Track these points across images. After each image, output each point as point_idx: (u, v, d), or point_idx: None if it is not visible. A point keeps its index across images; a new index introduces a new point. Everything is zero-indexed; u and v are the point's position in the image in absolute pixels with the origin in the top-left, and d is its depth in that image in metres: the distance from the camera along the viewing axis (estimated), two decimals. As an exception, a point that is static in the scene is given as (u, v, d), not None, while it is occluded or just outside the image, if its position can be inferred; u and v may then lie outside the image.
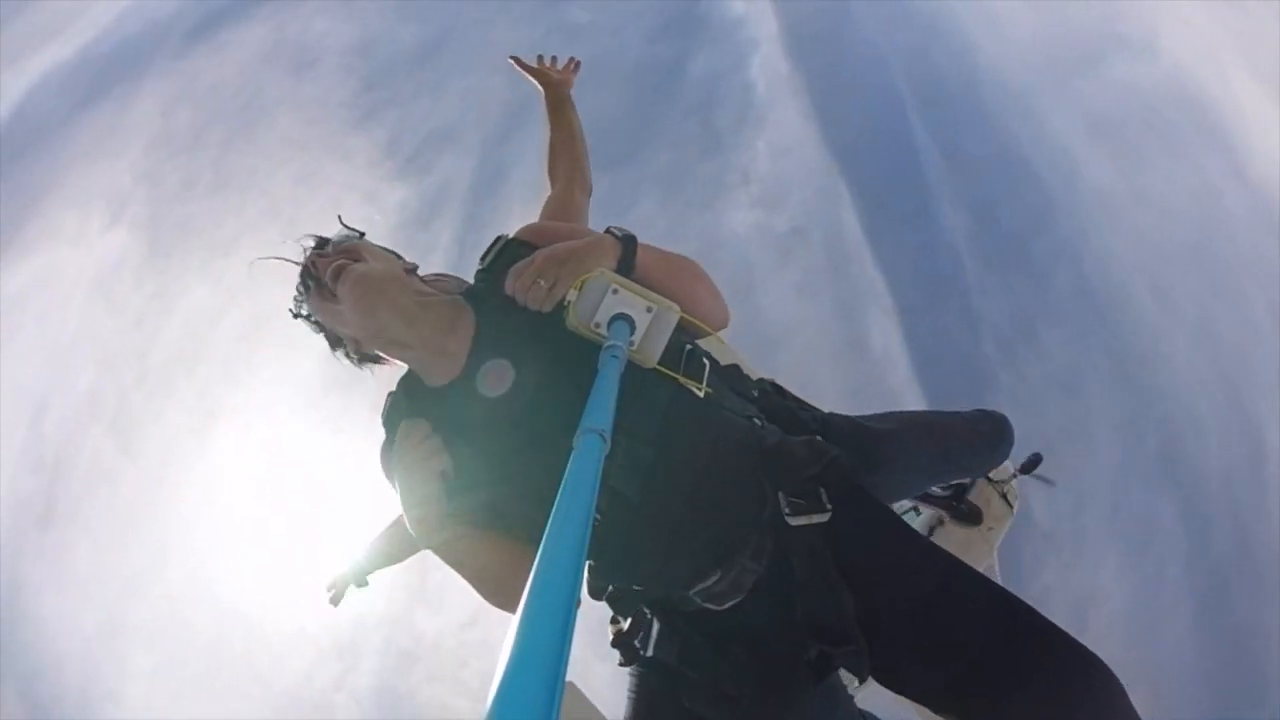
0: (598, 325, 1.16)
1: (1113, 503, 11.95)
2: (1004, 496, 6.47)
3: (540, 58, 1.88)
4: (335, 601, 1.83)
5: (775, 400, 1.42)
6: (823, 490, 1.20)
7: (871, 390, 12.30)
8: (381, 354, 1.34)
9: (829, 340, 12.44)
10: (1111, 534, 11.80)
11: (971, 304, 12.82)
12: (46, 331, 10.30)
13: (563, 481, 0.72)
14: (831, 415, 1.49)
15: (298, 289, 1.35)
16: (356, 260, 1.28)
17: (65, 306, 10.61)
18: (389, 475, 1.28)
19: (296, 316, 1.37)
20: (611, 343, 1.11)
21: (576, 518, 0.65)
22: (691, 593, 1.23)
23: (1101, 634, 11.14)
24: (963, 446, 1.71)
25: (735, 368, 1.40)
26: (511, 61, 1.87)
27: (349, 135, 12.08)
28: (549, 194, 1.69)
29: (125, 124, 11.49)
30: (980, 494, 6.38)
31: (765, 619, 1.23)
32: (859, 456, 1.29)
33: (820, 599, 1.17)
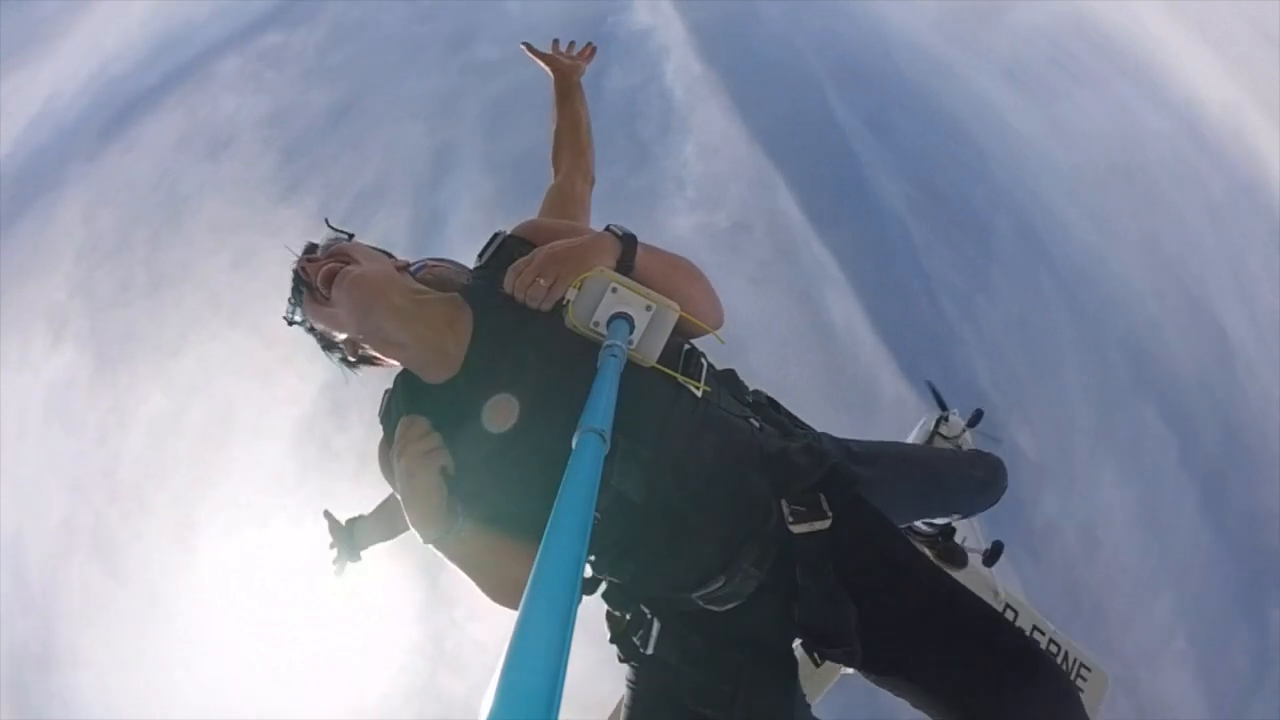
0: (597, 324, 1.16)
1: (1095, 423, 12.33)
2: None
3: (555, 43, 1.86)
4: (338, 575, 1.85)
5: (770, 413, 1.41)
6: (823, 497, 1.22)
7: (844, 368, 12.47)
8: (378, 355, 1.33)
9: (792, 327, 12.61)
10: (1102, 452, 12.16)
11: (922, 266, 13.13)
12: (8, 464, 10.01)
13: (563, 481, 0.72)
14: (823, 435, 1.49)
15: (290, 297, 1.34)
16: (348, 263, 1.27)
17: (23, 435, 10.20)
18: (388, 473, 1.27)
19: (291, 324, 1.36)
20: (610, 342, 1.10)
21: (576, 517, 0.65)
22: (695, 596, 1.24)
23: (1115, 549, 11.36)
24: (955, 485, 1.75)
25: (731, 372, 1.41)
26: (523, 48, 1.86)
27: (277, 209, 11.89)
28: (551, 183, 1.68)
29: (50, 237, 11.11)
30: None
31: (764, 621, 1.26)
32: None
33: (821, 606, 1.19)
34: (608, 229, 1.28)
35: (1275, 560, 10.61)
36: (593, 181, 1.69)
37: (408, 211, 12.63)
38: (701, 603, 1.24)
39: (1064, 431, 12.22)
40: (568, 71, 1.81)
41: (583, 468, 0.75)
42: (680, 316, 1.19)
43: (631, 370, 1.11)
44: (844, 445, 1.53)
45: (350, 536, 1.85)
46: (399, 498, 1.22)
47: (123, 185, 11.93)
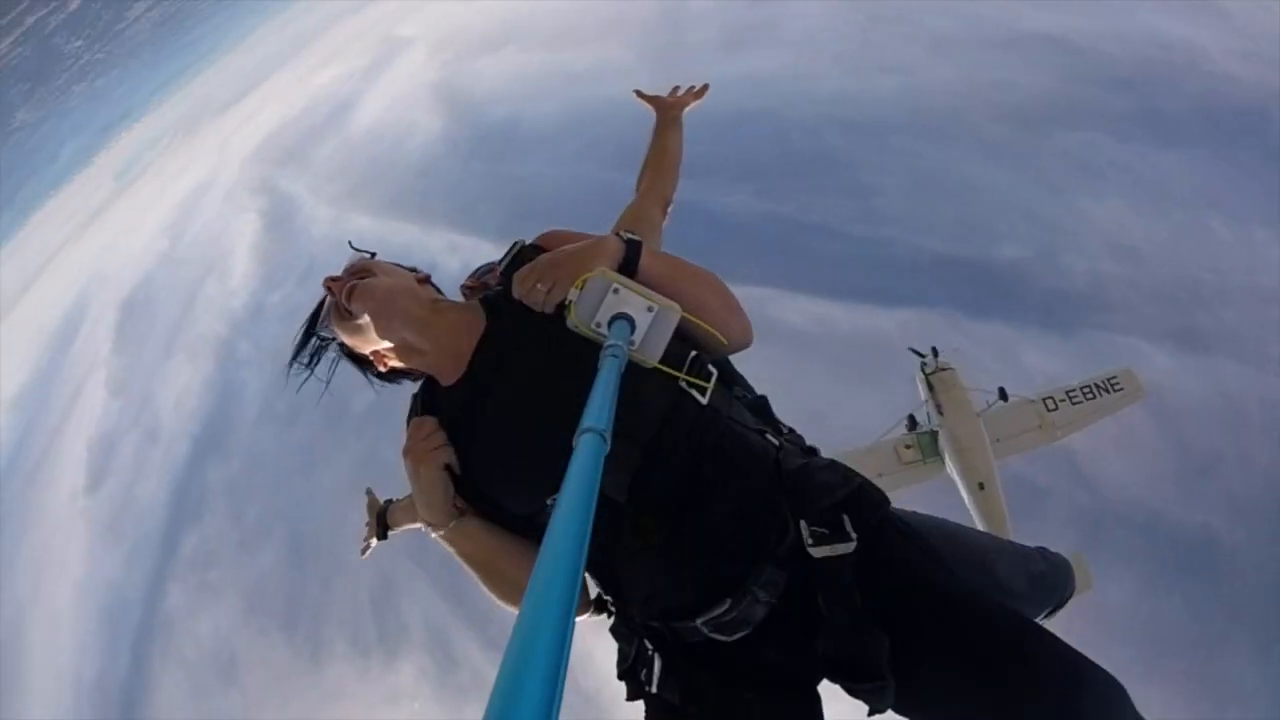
0: (598, 325, 1.16)
1: (1103, 181, 12.60)
2: (947, 370, 7.90)
3: (675, 88, 1.94)
4: (364, 553, 1.99)
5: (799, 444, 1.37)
6: (847, 518, 1.17)
7: (889, 351, 12.47)
8: (403, 365, 1.37)
9: (796, 372, 12.61)
10: (1136, 204, 12.41)
11: (842, 232, 13.42)
12: None
13: (564, 481, 0.72)
14: None
15: (323, 317, 1.40)
16: (367, 277, 1.34)
17: None
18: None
19: (324, 342, 1.41)
20: (611, 342, 1.10)
21: (576, 517, 0.65)
22: (699, 622, 1.18)
23: (1220, 254, 11.35)
24: (1006, 574, 1.57)
25: (763, 400, 1.38)
26: (634, 94, 1.94)
27: (311, 672, 11.64)
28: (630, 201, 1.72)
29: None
30: (940, 385, 7.88)
31: (779, 654, 1.19)
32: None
33: (847, 638, 1.13)
34: (616, 234, 1.30)
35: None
36: (665, 206, 1.69)
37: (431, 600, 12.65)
38: (707, 630, 1.18)
39: (1093, 252, 12.51)
40: (667, 106, 1.87)
41: (583, 468, 0.75)
42: (693, 326, 1.20)
43: (634, 372, 1.11)
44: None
45: (383, 517, 1.98)
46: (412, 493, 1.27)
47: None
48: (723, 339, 1.24)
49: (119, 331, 20.00)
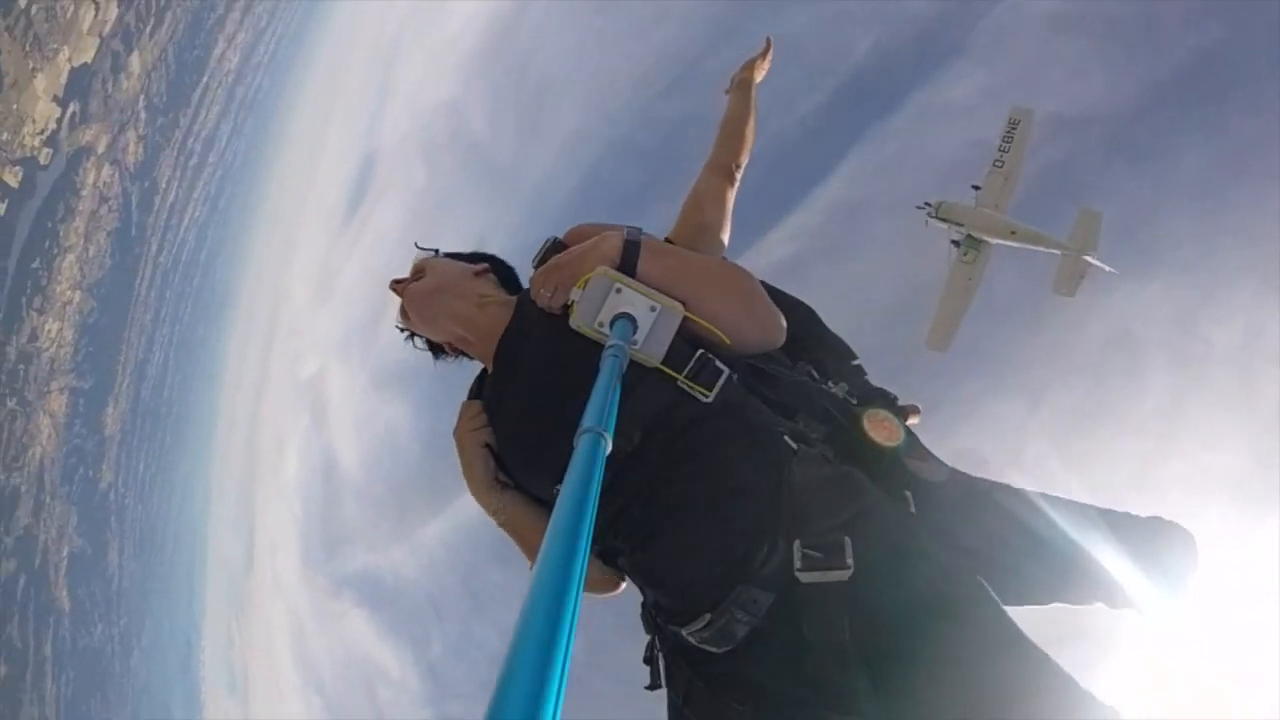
0: (601, 325, 1.20)
1: None
2: (942, 203, 10.67)
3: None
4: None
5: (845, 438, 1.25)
6: (848, 541, 1.08)
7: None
8: (464, 350, 1.50)
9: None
10: None
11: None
12: None
13: (564, 481, 0.73)
14: (953, 473, 1.30)
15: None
16: (420, 278, 1.47)
17: None
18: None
19: (401, 332, 1.54)
20: (612, 342, 1.14)
21: (576, 517, 0.66)
22: (685, 632, 1.16)
23: None
24: (1126, 544, 1.26)
25: (804, 385, 1.30)
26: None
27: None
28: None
29: None
30: (947, 213, 10.58)
31: (770, 670, 1.13)
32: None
33: (825, 666, 1.07)
34: (621, 232, 1.34)
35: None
36: (729, 172, 1.72)
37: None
38: (695, 641, 1.16)
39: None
40: (744, 70, 1.90)
41: (583, 468, 0.76)
42: (697, 325, 1.22)
43: (636, 371, 1.15)
44: (950, 483, 1.30)
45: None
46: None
47: None
48: (726, 339, 1.22)
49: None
